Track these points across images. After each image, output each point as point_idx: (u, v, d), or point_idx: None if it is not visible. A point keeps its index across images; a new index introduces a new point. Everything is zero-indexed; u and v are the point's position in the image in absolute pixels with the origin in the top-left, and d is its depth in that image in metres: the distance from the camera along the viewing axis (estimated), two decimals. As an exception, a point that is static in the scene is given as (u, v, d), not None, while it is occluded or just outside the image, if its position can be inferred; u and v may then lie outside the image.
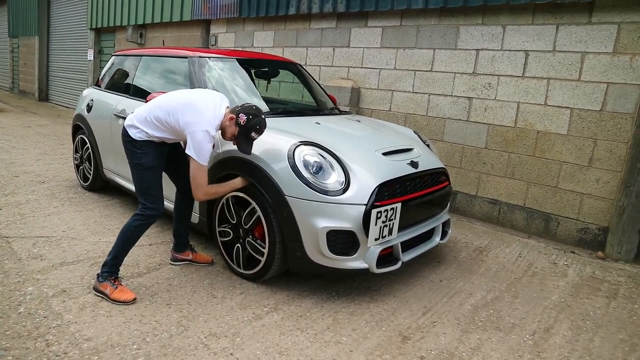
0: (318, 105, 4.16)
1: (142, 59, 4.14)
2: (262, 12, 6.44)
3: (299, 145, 2.76)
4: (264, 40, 6.67)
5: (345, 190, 2.67)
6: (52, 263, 3.05)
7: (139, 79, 4.11)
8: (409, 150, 3.32)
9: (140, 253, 3.28)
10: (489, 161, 4.66)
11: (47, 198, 4.42)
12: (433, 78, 4.98)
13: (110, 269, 2.71)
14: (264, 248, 2.79)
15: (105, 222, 3.86)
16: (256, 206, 2.79)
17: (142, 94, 3.98)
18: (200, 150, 2.53)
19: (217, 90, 3.32)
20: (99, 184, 4.60)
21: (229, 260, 3.07)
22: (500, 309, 2.84)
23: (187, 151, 2.56)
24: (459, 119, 4.82)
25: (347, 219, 2.64)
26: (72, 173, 5.36)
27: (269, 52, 6.41)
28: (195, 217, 3.30)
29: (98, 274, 2.73)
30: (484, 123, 4.66)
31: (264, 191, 2.74)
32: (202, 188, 2.64)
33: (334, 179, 2.71)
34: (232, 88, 3.57)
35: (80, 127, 4.69)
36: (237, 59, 3.80)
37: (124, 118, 3.81)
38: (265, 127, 2.67)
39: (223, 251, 3.11)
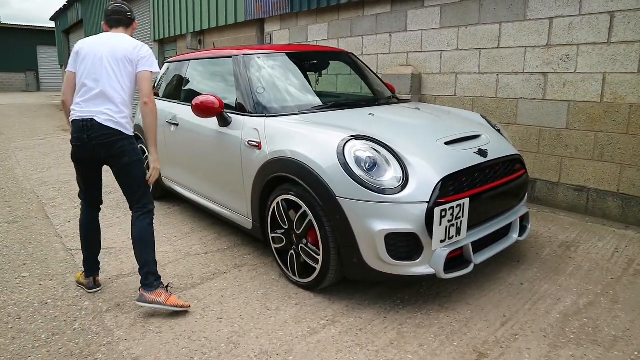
0: (375, 96, 3.86)
1: (190, 63, 4.07)
2: (314, 5, 6.23)
3: (349, 140, 2.50)
4: (318, 33, 6.45)
5: (403, 187, 2.38)
6: (109, 275, 3.02)
7: (187, 84, 4.04)
8: (476, 137, 2.95)
9: (195, 262, 3.19)
10: (572, 143, 4.13)
11: (112, 209, 4.49)
12: (501, 55, 4.51)
13: (156, 276, 2.58)
14: (318, 255, 2.57)
15: (163, 231, 3.82)
16: (307, 209, 2.57)
17: (190, 97, 3.91)
18: (154, 60, 2.64)
19: (264, 88, 3.16)
20: (159, 192, 4.61)
21: (283, 268, 2.88)
22: (596, 318, 2.41)
23: (153, 69, 2.60)
24: (534, 98, 4.32)
25: (407, 220, 2.34)
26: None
27: (324, 45, 6.19)
28: (248, 223, 3.15)
29: (143, 285, 2.54)
30: (564, 100, 4.13)
31: (314, 193, 2.51)
32: (153, 100, 2.58)
33: (390, 175, 2.42)
34: (282, 84, 3.38)
35: (138, 137, 4.73)
36: (284, 53, 3.60)
37: (176, 125, 3.75)
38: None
39: (278, 258, 2.92)
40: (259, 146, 2.89)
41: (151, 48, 11.26)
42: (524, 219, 3.04)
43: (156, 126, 2.62)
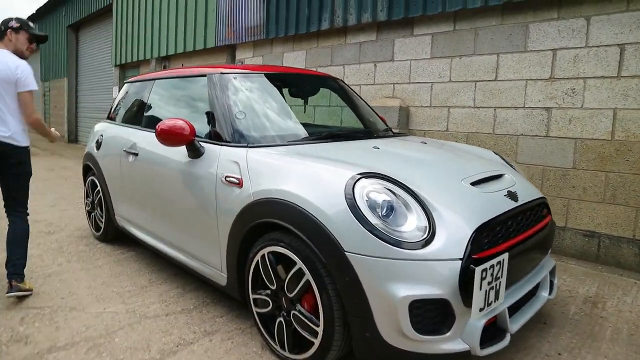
0: (368, 128, 3.38)
1: (155, 82, 3.49)
2: (291, 30, 5.81)
3: (359, 179, 1.98)
4: (294, 61, 6.01)
5: (429, 239, 1.86)
6: (37, 349, 2.32)
7: (150, 107, 3.45)
8: (500, 177, 2.50)
9: (153, 328, 2.53)
10: (579, 184, 3.77)
11: (52, 253, 3.76)
12: (498, 88, 4.16)
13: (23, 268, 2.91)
14: (318, 326, 1.99)
15: (114, 284, 3.14)
16: (304, 267, 2.00)
17: (154, 122, 3.32)
18: (32, 78, 2.85)
19: (245, 113, 2.63)
20: (112, 233, 3.92)
21: (269, 339, 2.27)
22: (671, 407, 1.93)
23: (31, 88, 2.82)
24: (536, 135, 3.97)
25: (436, 282, 1.81)
26: (85, 221, 4.73)
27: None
28: (222, 279, 2.54)
29: (17, 279, 2.84)
30: (570, 137, 3.79)
31: (315, 246, 1.95)
32: (33, 111, 2.89)
33: (412, 224, 1.90)
34: (266, 109, 2.85)
35: (90, 168, 4.06)
36: (266, 74, 3.09)
37: (135, 154, 3.15)
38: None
39: (260, 326, 2.32)
40: (239, 183, 2.32)
41: (112, 73, 10.50)
42: (551, 274, 2.58)
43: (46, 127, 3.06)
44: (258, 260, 2.23)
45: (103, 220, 3.92)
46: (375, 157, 2.39)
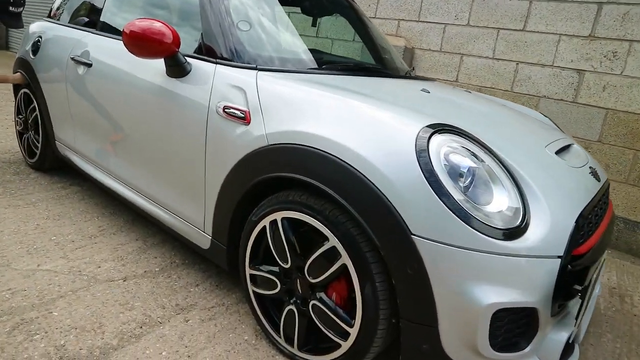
0: (392, 66, 2.71)
1: (120, -27, 2.65)
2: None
3: (433, 133, 1.39)
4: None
5: (523, 228, 1.33)
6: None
7: (112, 4, 2.62)
8: (570, 146, 2.00)
9: (107, 299, 1.89)
10: (602, 159, 3.38)
11: None
12: (525, 40, 3.63)
13: None
14: (351, 326, 1.46)
15: (51, 229, 2.43)
16: (340, 246, 1.43)
17: (116, 28, 2.52)
18: None
19: (251, 24, 1.95)
20: (50, 162, 3.13)
21: (270, 329, 1.72)
22: None
23: None
24: (561, 99, 3.51)
25: (529, 286, 1.31)
26: (15, 142, 3.87)
27: None
28: (203, 240, 1.92)
29: None
30: (600, 107, 3.35)
31: (364, 221, 1.37)
32: None
33: (501, 203, 1.35)
34: (273, 23, 2.14)
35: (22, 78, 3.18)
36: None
37: (88, 65, 2.38)
38: None
39: (258, 310, 1.75)
40: (245, 119, 1.67)
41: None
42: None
43: None
44: (265, 227, 1.63)
45: (39, 145, 3.11)
46: (432, 104, 1.80)
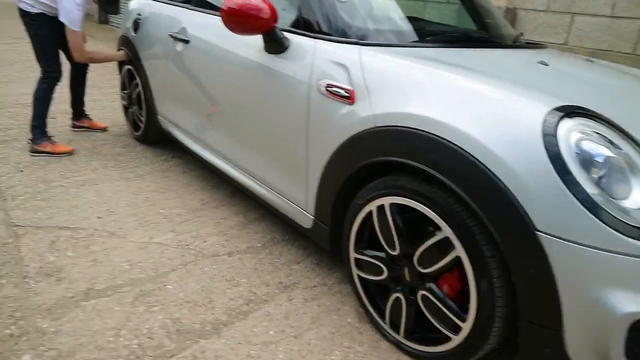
0: (500, 33, 2.48)
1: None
2: None
3: (562, 117, 1.25)
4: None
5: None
6: (71, 291, 1.80)
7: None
8: None
9: (214, 274, 1.98)
10: None
11: (86, 154, 3.19)
12: (653, -7, 3.18)
13: (42, 130, 3.12)
14: (463, 320, 1.39)
15: (159, 202, 2.57)
16: (454, 238, 1.35)
17: (211, 4, 2.53)
18: (71, 16, 2.88)
19: (343, 1, 1.83)
20: (153, 135, 3.30)
21: (374, 314, 1.70)
22: None
23: (59, 18, 2.89)
24: (695, 60, 3.06)
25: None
26: (121, 115, 4.11)
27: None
28: (305, 219, 1.93)
29: (31, 139, 3.10)
30: None
31: (482, 212, 1.28)
32: (78, 51, 3.02)
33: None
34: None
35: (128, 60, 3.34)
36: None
37: (186, 41, 2.42)
38: None
39: (363, 294, 1.74)
40: (350, 98, 1.61)
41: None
42: None
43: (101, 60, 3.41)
44: (372, 212, 1.59)
45: (143, 120, 3.28)
46: (555, 80, 1.62)
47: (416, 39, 1.88)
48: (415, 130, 1.41)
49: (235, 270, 2.01)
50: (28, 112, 3.17)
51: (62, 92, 3.43)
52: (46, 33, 3.01)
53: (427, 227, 1.45)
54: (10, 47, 7.48)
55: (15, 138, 3.37)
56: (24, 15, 3.04)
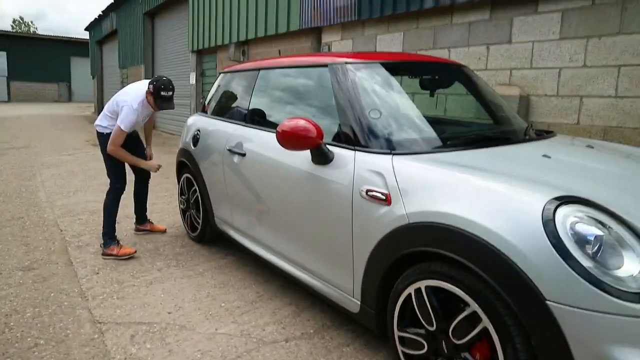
0: (508, 126, 2.82)
1: (260, 73, 3.16)
2: (387, 10, 5.31)
3: (559, 205, 1.52)
4: (389, 44, 5.53)
5: (662, 289, 1.39)
6: (155, 379, 2.08)
7: (257, 100, 3.13)
8: None
9: (275, 358, 2.22)
10: None
11: (150, 255, 3.58)
12: (652, 74, 3.49)
13: (110, 236, 3.56)
14: (497, 385, 1.59)
15: (220, 297, 2.88)
16: (481, 312, 1.59)
17: (263, 119, 3.00)
18: (125, 119, 3.41)
19: (380, 112, 2.22)
20: (209, 235, 3.69)
21: (419, 387, 1.90)
22: None
23: (117, 122, 3.45)
24: (703, 131, 3.29)
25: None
26: (177, 216, 4.56)
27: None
28: (353, 305, 2.18)
29: (102, 243, 3.58)
30: None
31: (501, 289, 1.53)
32: (113, 145, 3.47)
33: (632, 267, 1.43)
34: (401, 108, 2.42)
35: (185, 165, 3.84)
36: (400, 63, 2.66)
37: (242, 155, 2.85)
38: (169, 84, 3.48)
39: (407, 367, 1.94)
40: (386, 200, 1.93)
41: (188, 59, 10.42)
42: None
43: (129, 161, 3.65)
44: (411, 294, 1.85)
45: (200, 221, 3.69)
46: (555, 171, 1.91)
47: (439, 144, 2.21)
48: (441, 225, 1.70)
49: (293, 354, 2.25)
50: (96, 218, 3.64)
51: (125, 198, 3.91)
52: None
53: (457, 304, 1.69)
54: (73, 157, 8.34)
55: (88, 243, 3.83)
56: (99, 135, 3.62)
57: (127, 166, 3.70)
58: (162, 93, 3.43)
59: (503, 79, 4.44)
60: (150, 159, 3.98)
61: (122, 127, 3.41)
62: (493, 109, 2.96)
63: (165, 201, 5.26)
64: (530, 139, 2.53)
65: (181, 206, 4.09)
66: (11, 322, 2.57)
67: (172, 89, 3.51)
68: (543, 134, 2.83)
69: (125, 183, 3.68)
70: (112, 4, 16.91)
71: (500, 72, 4.46)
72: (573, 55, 3.93)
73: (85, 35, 24.32)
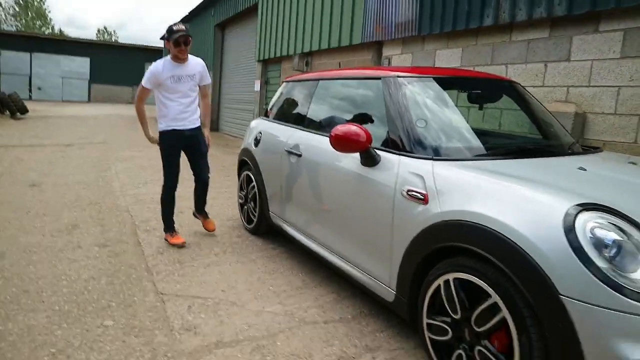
0: (553, 141, 2.92)
1: (320, 83, 3.43)
2: (447, 27, 5.46)
3: (580, 211, 1.65)
4: (448, 60, 5.66)
5: (675, 294, 1.49)
6: (206, 341, 2.36)
7: (315, 107, 3.40)
8: None
9: (313, 335, 2.45)
10: None
11: (208, 241, 3.93)
12: None
13: (168, 224, 3.90)
14: (511, 370, 1.73)
15: (269, 281, 3.15)
16: (501, 303, 1.74)
17: (319, 124, 3.25)
18: (146, 75, 3.71)
19: (426, 121, 2.42)
20: (263, 228, 3.99)
21: (442, 370, 2.06)
22: None
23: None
24: None
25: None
26: (235, 210, 4.91)
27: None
28: (388, 294, 2.37)
29: (164, 230, 3.93)
30: None
31: (520, 282, 1.68)
32: (137, 100, 3.84)
33: (649, 271, 1.54)
34: (449, 118, 2.61)
35: (246, 163, 4.17)
36: (447, 78, 2.84)
37: (298, 155, 3.11)
38: (179, 24, 3.64)
39: (433, 354, 2.10)
40: (424, 200, 2.12)
41: (254, 68, 10.96)
42: None
43: (140, 121, 3.94)
44: (440, 285, 2.02)
45: (256, 215, 4.00)
46: (586, 182, 2.03)
47: (478, 152, 2.38)
48: (472, 223, 1.87)
49: (330, 334, 2.47)
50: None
51: (190, 191, 4.28)
52: (165, 147, 3.72)
53: (480, 295, 1.84)
54: (142, 153, 9.01)
55: (154, 228, 4.23)
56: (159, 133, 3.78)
57: (182, 166, 3.91)
58: (174, 27, 3.57)
59: (559, 96, 4.46)
60: (208, 141, 3.97)
61: (143, 82, 3.64)
62: (542, 124, 3.06)
63: (225, 196, 5.65)
64: (573, 153, 2.62)
65: (240, 201, 4.42)
66: (89, 286, 2.96)
67: (185, 26, 3.63)
68: (590, 149, 2.89)
69: (175, 182, 3.82)
70: (186, 16, 18.01)
71: (557, 89, 4.49)
72: (634, 73, 3.91)
73: (160, 44, 25.95)
